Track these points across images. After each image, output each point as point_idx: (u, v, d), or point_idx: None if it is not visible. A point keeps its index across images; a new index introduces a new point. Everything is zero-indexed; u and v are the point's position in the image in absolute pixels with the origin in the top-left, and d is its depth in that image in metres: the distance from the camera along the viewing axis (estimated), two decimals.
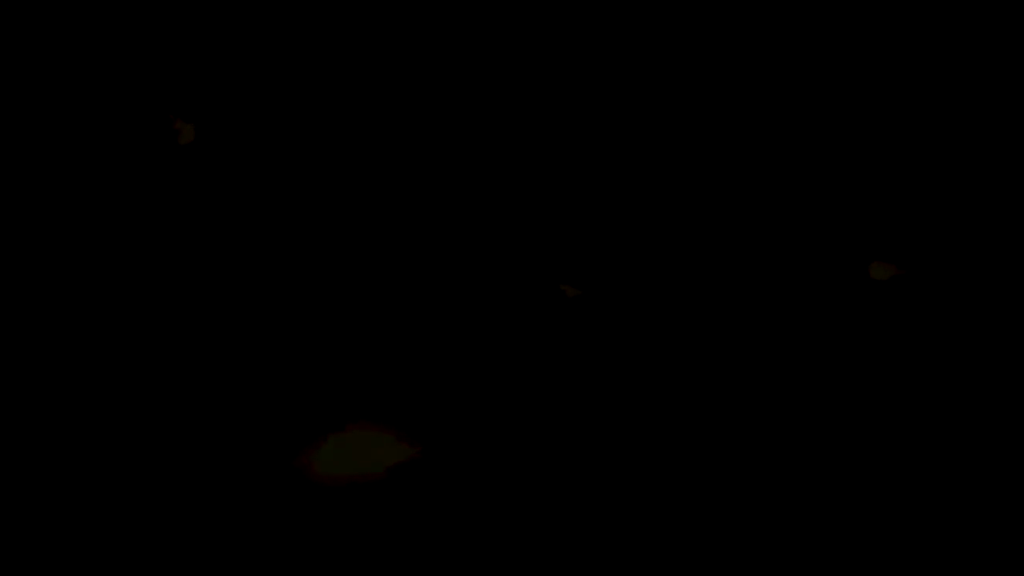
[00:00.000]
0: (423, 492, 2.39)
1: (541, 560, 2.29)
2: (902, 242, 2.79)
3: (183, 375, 2.59)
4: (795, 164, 2.87)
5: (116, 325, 2.66)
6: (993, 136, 2.85)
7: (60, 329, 2.64)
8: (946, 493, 2.42)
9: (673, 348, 2.65)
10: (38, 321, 2.65)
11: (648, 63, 2.94)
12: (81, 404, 2.53)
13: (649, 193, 2.86)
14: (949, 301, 2.70)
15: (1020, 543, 2.31)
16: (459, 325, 2.69)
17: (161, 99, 2.90)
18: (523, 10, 2.94)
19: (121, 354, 2.62)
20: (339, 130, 2.91)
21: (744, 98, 2.91)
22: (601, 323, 2.69)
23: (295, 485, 2.39)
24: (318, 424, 2.52)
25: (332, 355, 2.64)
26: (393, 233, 2.82)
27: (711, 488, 2.43)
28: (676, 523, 2.36)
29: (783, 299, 2.73)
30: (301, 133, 2.90)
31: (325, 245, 2.80)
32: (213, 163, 2.85)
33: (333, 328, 2.68)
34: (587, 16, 2.95)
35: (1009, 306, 2.68)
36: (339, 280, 2.75)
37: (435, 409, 2.56)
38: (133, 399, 2.55)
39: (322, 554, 2.29)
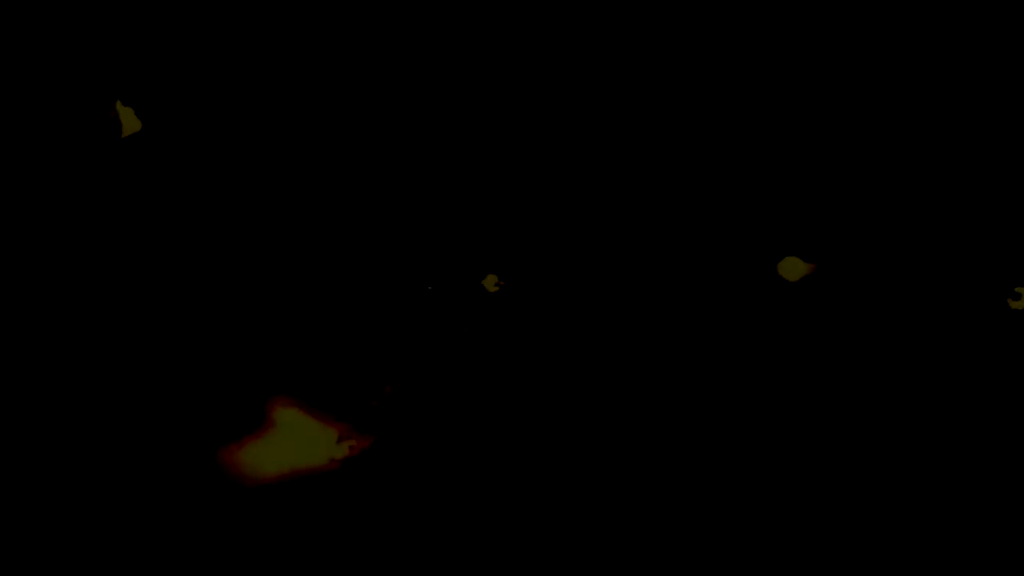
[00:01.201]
0: (366, 485, 2.43)
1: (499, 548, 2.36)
2: (812, 240, 2.85)
3: (119, 366, 2.62)
4: (712, 161, 2.92)
5: (53, 314, 2.67)
6: (898, 132, 2.90)
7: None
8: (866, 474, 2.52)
9: (595, 338, 2.73)
10: None
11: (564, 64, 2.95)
12: (16, 391, 2.56)
13: (569, 189, 2.90)
14: (860, 296, 2.77)
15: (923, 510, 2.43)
16: (385, 316, 2.74)
17: (104, 90, 2.89)
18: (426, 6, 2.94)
19: (67, 346, 2.64)
20: (277, 124, 2.91)
21: (656, 98, 2.94)
22: (523, 314, 2.75)
23: (226, 482, 2.43)
24: (248, 420, 2.57)
25: (261, 346, 2.68)
26: (327, 225, 2.85)
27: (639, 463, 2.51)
28: (606, 506, 2.44)
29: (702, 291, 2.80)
30: (238, 124, 2.91)
31: (256, 237, 2.82)
32: (155, 153, 2.86)
33: (265, 319, 2.72)
34: (498, 13, 2.95)
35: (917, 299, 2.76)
36: (275, 273, 2.78)
37: (369, 401, 2.62)
38: (68, 387, 2.57)
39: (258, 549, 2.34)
